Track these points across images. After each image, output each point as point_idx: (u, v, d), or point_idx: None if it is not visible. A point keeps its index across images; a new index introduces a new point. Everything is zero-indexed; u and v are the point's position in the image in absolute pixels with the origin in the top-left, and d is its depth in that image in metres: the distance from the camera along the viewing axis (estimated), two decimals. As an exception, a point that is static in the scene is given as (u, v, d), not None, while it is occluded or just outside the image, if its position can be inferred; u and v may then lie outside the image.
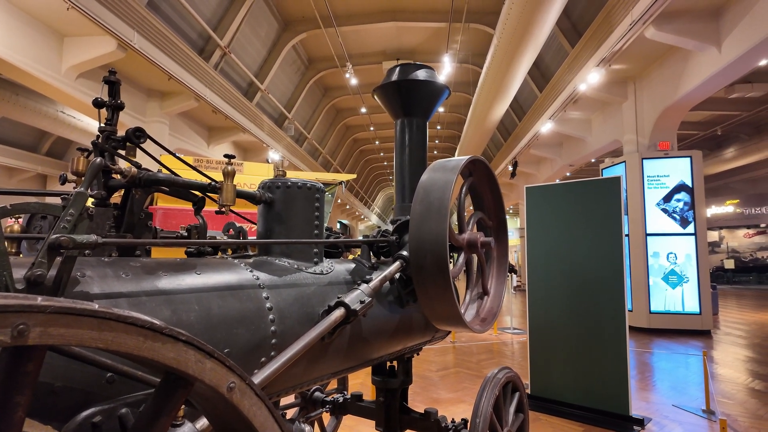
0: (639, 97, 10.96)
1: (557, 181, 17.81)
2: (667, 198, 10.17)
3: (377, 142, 27.42)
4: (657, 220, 10.19)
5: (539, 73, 15.47)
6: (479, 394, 2.14)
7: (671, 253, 9.99)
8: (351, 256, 2.71)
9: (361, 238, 2.37)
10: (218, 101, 11.89)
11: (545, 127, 13.59)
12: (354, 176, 11.00)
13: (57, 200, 1.60)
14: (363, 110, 21.28)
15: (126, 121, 9.71)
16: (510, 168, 18.39)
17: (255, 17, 13.65)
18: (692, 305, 9.74)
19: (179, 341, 0.71)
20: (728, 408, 5.04)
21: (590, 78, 9.99)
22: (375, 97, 2.93)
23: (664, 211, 10.17)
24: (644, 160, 10.39)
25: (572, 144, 15.32)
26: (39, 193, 1.58)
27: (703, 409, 4.91)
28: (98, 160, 1.16)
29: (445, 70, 14.81)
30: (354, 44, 16.89)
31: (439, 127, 26.33)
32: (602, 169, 11.47)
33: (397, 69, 2.77)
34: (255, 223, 2.29)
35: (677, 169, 10.14)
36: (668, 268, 9.98)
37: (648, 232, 10.20)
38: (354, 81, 16.96)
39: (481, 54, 16.19)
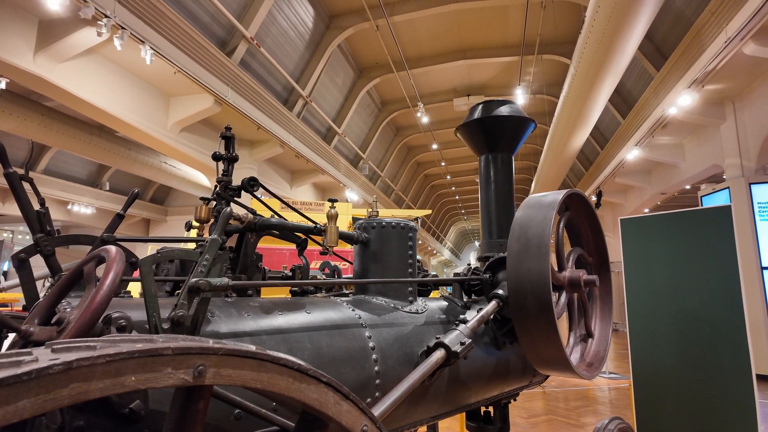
0: (740, 117, 10.00)
1: (646, 211, 16.59)
2: (785, 226, 9.00)
3: (448, 177, 27.36)
4: (774, 252, 9.01)
5: (621, 99, 14.76)
6: (590, 447, 1.96)
7: (796, 289, 8.73)
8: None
9: (449, 276, 2.34)
10: (300, 147, 12.66)
11: (631, 154, 12.80)
12: (429, 212, 11.06)
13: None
14: (434, 146, 21.48)
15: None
16: (594, 198, 17.41)
17: (333, 67, 14.56)
18: (829, 351, 8.34)
19: (321, 382, 0.73)
20: None
21: (681, 101, 9.33)
22: (457, 135, 2.95)
23: (782, 241, 8.99)
24: (752, 185, 9.34)
25: (663, 171, 14.23)
26: (175, 240, 1.76)
27: None
28: (228, 209, 1.27)
29: (518, 103, 14.62)
30: (425, 84, 17.31)
31: (512, 159, 25.75)
32: (701, 197, 10.46)
33: (480, 107, 2.79)
34: (347, 260, 2.36)
35: (794, 194, 9.00)
36: (793, 307, 8.70)
37: (764, 265, 9.03)
38: (425, 119, 17.27)
39: (556, 84, 15.84)
